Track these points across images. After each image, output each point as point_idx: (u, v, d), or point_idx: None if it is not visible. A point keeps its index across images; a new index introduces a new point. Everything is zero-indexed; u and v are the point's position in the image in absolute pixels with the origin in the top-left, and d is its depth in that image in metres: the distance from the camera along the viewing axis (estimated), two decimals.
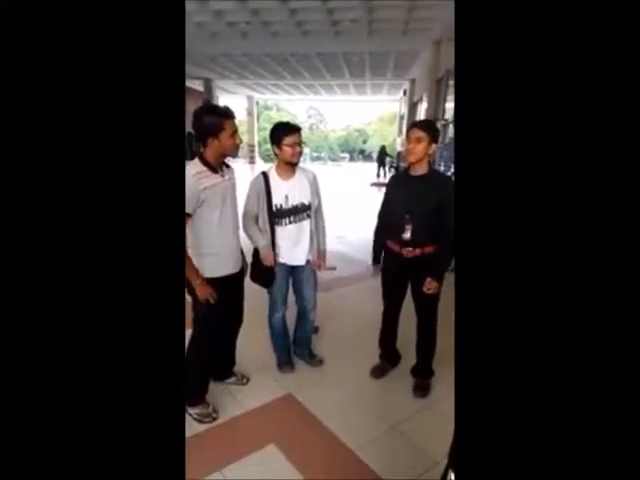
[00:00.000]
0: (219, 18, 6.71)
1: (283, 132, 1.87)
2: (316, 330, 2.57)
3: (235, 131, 1.62)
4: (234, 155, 1.72)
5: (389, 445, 1.72)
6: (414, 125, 1.81)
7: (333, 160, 25.98)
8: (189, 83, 12.30)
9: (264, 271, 1.98)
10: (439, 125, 6.89)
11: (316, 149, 27.94)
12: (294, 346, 2.31)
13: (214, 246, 1.67)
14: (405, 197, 1.88)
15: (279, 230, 1.98)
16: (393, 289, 2.07)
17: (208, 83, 12.75)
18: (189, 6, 5.77)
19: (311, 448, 1.69)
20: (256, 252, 2.01)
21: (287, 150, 1.87)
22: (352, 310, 3.09)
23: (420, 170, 1.83)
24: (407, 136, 1.81)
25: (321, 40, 7.90)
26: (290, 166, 1.94)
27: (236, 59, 10.00)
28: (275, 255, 1.98)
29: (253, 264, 2.02)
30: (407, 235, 1.83)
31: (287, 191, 1.95)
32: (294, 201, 1.97)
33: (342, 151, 28.55)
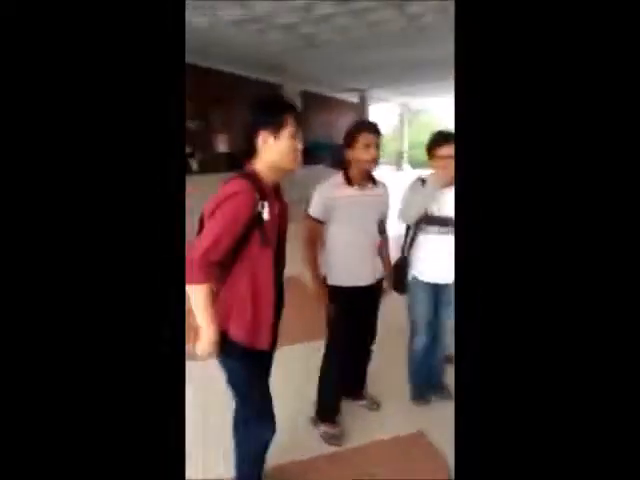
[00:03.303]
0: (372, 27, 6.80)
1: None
2: (450, 360, 2.32)
3: (369, 144, 1.61)
4: (372, 168, 1.68)
5: None
6: None
7: None
8: (338, 95, 12.61)
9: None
10: None
11: None
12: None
13: (340, 255, 1.72)
14: None
15: (421, 239, 1.83)
16: None
17: (361, 94, 13.11)
18: (342, 20, 5.90)
19: None
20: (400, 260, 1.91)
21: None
22: None
23: None
24: None
25: None
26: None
27: (389, 69, 10.00)
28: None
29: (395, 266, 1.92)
30: None
31: (442, 198, 1.77)
32: (444, 212, 1.77)
33: None
